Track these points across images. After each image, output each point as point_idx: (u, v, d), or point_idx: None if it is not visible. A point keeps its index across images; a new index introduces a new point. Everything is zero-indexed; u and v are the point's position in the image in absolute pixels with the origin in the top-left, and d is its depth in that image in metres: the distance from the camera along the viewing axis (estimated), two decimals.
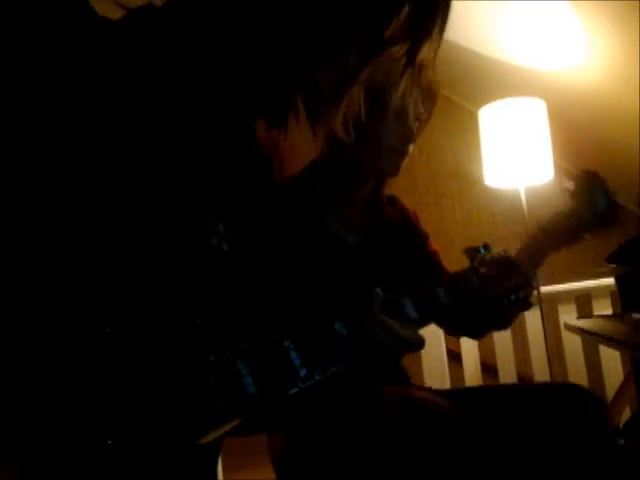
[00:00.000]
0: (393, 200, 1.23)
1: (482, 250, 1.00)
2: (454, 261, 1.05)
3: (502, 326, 1.17)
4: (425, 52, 0.65)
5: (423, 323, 0.82)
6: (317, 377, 0.65)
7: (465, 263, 1.01)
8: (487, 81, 2.50)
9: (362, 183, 1.13)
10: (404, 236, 1.19)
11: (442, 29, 0.64)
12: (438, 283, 0.86)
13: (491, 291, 0.94)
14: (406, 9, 0.62)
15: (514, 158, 2.26)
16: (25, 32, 0.52)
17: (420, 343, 0.78)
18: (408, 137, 1.06)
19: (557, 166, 2.36)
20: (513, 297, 0.97)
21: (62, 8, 0.55)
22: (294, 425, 0.95)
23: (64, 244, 0.53)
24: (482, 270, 0.95)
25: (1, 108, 0.51)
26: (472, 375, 2.48)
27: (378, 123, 1.02)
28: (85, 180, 0.54)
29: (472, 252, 0.99)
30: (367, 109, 0.69)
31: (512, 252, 1.08)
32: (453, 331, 1.29)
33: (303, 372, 0.64)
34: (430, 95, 1.08)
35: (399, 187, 1.30)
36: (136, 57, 0.59)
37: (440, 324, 1.21)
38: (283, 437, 0.98)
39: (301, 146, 0.71)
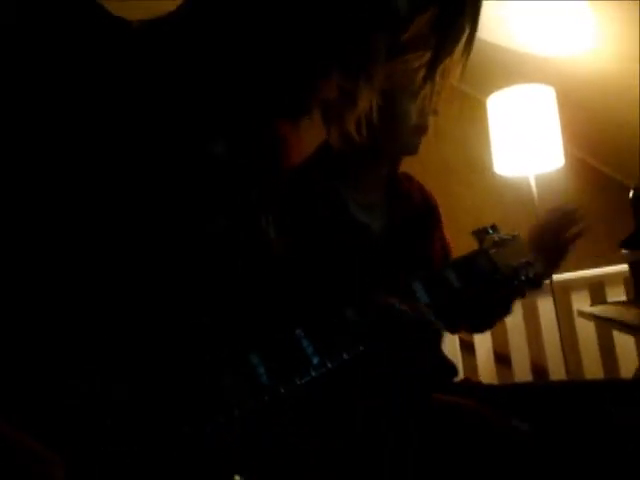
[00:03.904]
0: (410, 177, 1.23)
1: (490, 231, 0.99)
2: (465, 249, 1.04)
3: (506, 311, 1.17)
4: (447, 67, 0.65)
5: (435, 308, 0.81)
6: (330, 365, 0.65)
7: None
8: (494, 69, 2.48)
9: (381, 163, 1.13)
10: (423, 211, 1.19)
11: (468, 50, 0.64)
12: (448, 266, 0.85)
13: (502, 272, 0.93)
14: (428, 16, 0.62)
15: (523, 146, 2.24)
16: (26, 31, 0.52)
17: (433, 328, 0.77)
18: (425, 111, 1.06)
19: (567, 153, 2.34)
20: (524, 277, 0.97)
21: (68, 7, 0.55)
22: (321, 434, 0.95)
23: (67, 243, 0.53)
24: (492, 251, 0.94)
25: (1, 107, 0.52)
26: (485, 365, 2.47)
27: (396, 107, 1.02)
28: (97, 180, 0.54)
29: (480, 234, 0.99)
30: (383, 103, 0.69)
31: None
32: (457, 325, 1.29)
33: (316, 360, 0.64)
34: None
35: None
36: (153, 58, 0.59)
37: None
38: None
39: (309, 134, 0.71)
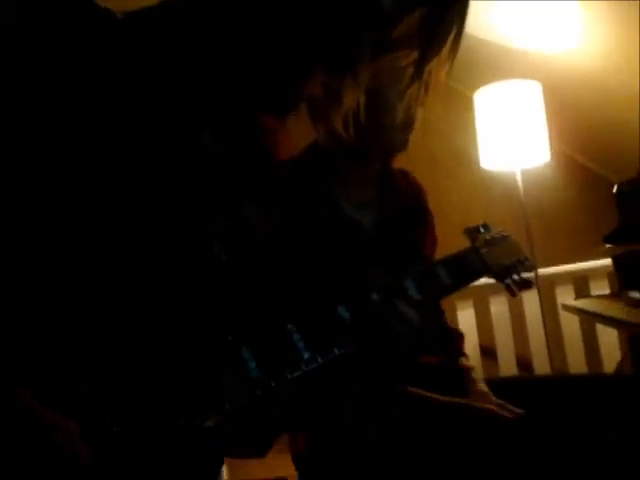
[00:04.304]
0: (405, 173, 1.22)
1: (482, 230, 1.00)
2: (452, 243, 1.05)
3: None
4: (435, 66, 0.65)
5: (425, 305, 0.82)
6: (321, 360, 0.65)
7: (463, 245, 1.01)
8: (481, 64, 2.49)
9: (371, 160, 1.13)
10: (414, 206, 1.19)
11: (455, 49, 0.65)
12: (440, 263, 0.86)
13: (493, 270, 0.94)
14: (416, 16, 0.62)
15: (510, 140, 2.26)
16: (26, 30, 0.52)
17: (423, 324, 0.78)
18: (412, 109, 1.06)
19: (554, 149, 2.36)
20: (515, 276, 0.98)
21: (64, 6, 0.55)
22: (315, 425, 0.95)
23: (64, 244, 0.53)
24: (483, 250, 0.95)
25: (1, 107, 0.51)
26: (471, 358, 2.49)
27: (382, 104, 1.02)
28: (86, 180, 0.54)
29: (472, 232, 0.99)
30: (369, 100, 0.69)
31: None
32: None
33: (306, 355, 0.64)
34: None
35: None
36: (142, 54, 0.59)
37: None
38: (304, 437, 0.98)
39: (297, 130, 0.71)
